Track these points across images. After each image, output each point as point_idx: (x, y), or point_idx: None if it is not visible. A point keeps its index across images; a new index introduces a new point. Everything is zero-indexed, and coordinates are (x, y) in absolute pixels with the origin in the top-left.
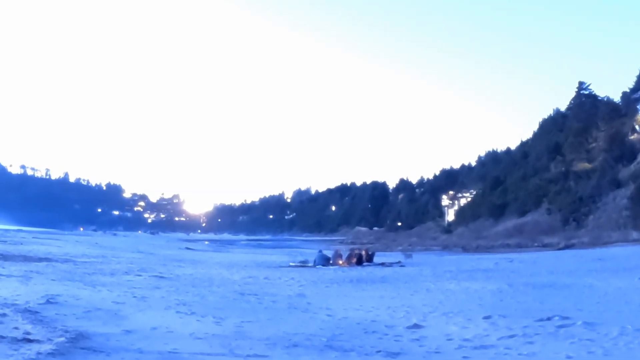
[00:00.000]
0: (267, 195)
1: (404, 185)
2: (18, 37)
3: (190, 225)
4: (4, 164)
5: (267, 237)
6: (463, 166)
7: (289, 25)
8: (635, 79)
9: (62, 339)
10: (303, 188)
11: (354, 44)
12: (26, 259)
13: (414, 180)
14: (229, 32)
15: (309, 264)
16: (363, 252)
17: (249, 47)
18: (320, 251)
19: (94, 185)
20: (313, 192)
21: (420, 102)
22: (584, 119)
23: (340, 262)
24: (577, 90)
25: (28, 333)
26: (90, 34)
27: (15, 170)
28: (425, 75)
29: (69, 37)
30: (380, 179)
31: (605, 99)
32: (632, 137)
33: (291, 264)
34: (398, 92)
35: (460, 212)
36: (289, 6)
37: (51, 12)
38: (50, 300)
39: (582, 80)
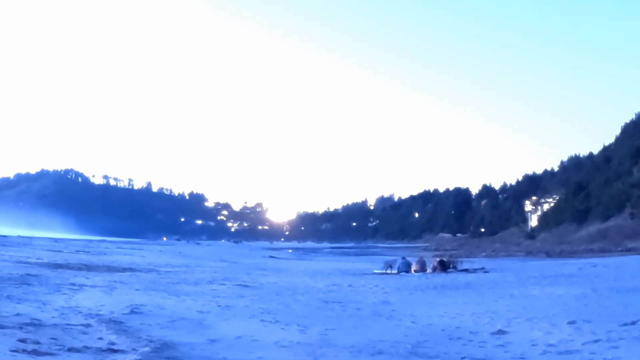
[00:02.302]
0: (350, 203)
1: (486, 191)
2: (103, 49)
3: (273, 234)
4: (87, 175)
5: (351, 244)
6: (546, 171)
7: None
8: None
9: (147, 348)
10: (386, 195)
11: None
12: (110, 269)
13: (496, 186)
14: (287, 47)
15: (393, 271)
16: (437, 260)
17: (316, 59)
18: (403, 258)
19: (176, 194)
20: (396, 199)
21: (501, 107)
22: None
23: (414, 269)
24: None
25: (112, 343)
26: (161, 49)
27: (98, 180)
28: (503, 79)
29: (145, 50)
30: (462, 185)
31: None
32: None
33: (375, 271)
34: (476, 95)
35: (543, 218)
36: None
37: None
38: (135, 310)
39: None
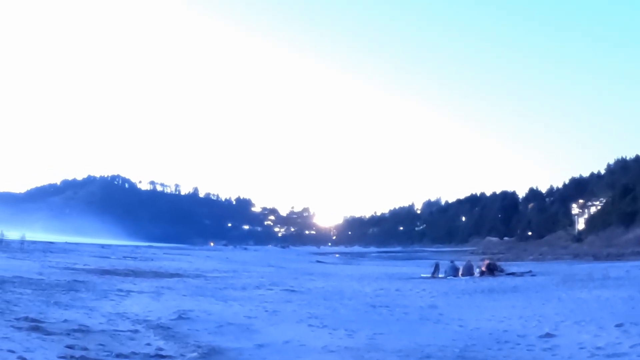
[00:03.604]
0: (397, 207)
1: (533, 194)
2: (144, 60)
3: (320, 239)
4: (133, 181)
5: (398, 248)
6: (592, 174)
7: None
8: None
9: (195, 354)
10: (433, 199)
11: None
12: (157, 274)
13: (543, 189)
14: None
15: (440, 275)
16: (485, 263)
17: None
18: (451, 262)
19: (223, 199)
20: (443, 202)
21: (547, 109)
22: None
23: (461, 273)
24: None
25: (160, 349)
26: (205, 58)
27: (144, 186)
28: (548, 81)
29: (191, 59)
30: (509, 189)
31: None
32: None
33: (422, 275)
34: (522, 98)
35: (590, 221)
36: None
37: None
38: (182, 315)
39: None
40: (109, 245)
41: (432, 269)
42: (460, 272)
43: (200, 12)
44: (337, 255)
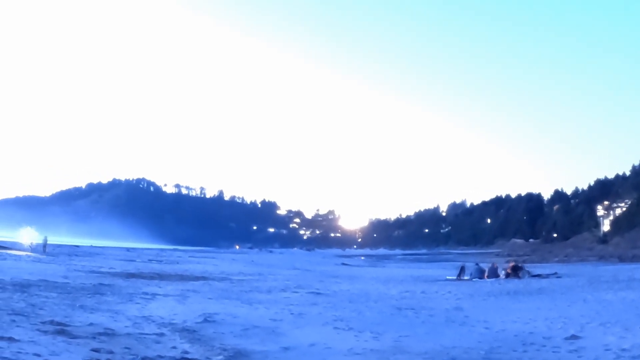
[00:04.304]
0: (422, 209)
1: (558, 196)
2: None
3: (345, 241)
4: (158, 184)
5: (423, 251)
6: (617, 176)
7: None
8: None
9: (220, 357)
10: (458, 201)
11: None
12: (182, 278)
13: (568, 191)
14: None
15: (465, 277)
16: (510, 265)
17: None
18: (477, 264)
19: (248, 202)
20: (468, 205)
21: (572, 111)
22: None
23: (486, 275)
24: None
25: (186, 352)
26: (228, 64)
27: (170, 189)
28: (572, 83)
29: (215, 64)
30: (534, 191)
31: None
32: None
33: (448, 277)
34: (546, 99)
35: (615, 222)
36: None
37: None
38: (208, 318)
39: None
40: (134, 249)
41: (457, 271)
42: (485, 274)
43: (217, 19)
44: (362, 258)
